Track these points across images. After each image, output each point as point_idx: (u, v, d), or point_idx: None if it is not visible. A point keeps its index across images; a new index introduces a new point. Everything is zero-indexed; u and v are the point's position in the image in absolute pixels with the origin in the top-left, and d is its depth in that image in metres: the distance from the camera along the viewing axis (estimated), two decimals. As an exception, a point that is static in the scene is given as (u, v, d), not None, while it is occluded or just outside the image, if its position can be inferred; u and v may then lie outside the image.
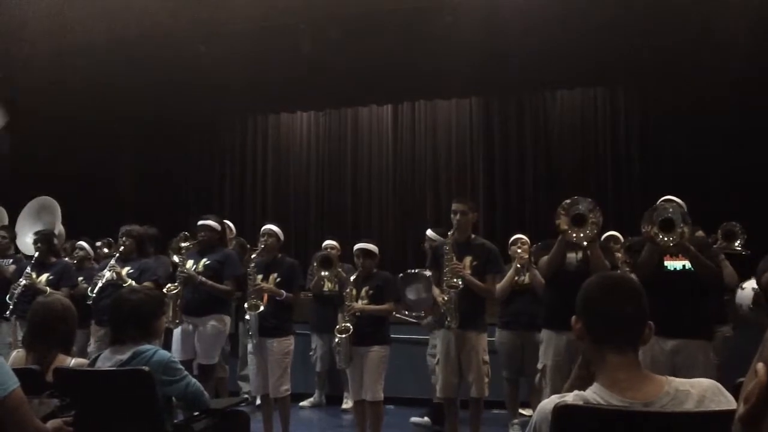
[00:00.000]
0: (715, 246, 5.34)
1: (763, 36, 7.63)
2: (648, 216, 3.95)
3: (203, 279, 5.46)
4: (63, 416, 2.69)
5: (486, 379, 4.97)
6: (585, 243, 4.29)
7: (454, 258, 4.88)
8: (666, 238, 3.89)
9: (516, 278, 5.75)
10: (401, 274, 5.58)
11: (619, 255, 5.38)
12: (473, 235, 5.14)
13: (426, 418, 6.02)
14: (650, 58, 8.39)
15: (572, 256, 4.56)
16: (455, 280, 4.81)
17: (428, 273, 5.27)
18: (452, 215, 5.02)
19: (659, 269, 4.08)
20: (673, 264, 4.15)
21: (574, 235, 4.21)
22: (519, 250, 5.79)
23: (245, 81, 9.12)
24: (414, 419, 6.07)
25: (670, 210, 3.93)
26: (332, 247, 6.77)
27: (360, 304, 5.06)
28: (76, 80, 8.33)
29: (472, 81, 9.27)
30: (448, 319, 4.85)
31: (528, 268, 5.73)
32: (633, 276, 3.64)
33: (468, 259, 4.95)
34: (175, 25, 7.92)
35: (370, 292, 5.09)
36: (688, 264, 4.09)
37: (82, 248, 6.75)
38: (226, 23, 8.07)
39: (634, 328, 1.82)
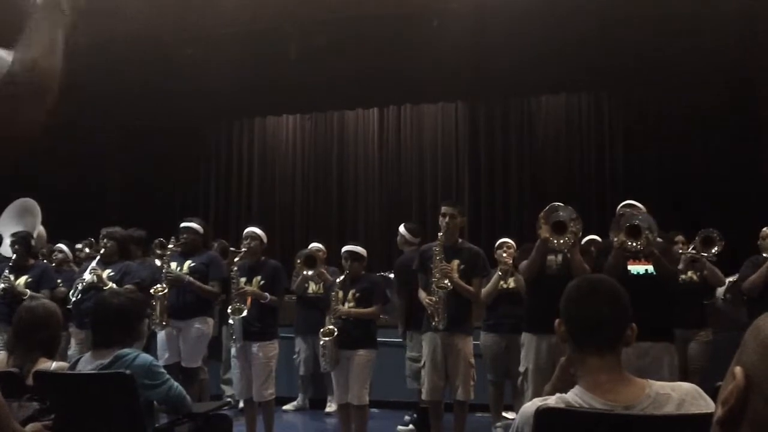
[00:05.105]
0: (692, 250, 5.40)
1: (749, 45, 7.72)
2: (615, 224, 4.17)
3: (191, 279, 5.42)
4: (42, 420, 2.67)
5: (472, 382, 4.99)
6: (565, 249, 4.37)
7: (443, 260, 4.89)
8: (634, 244, 4.09)
9: (502, 283, 5.76)
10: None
11: None
12: (460, 240, 5.16)
13: (411, 426, 5.99)
14: (634, 64, 8.47)
15: (552, 260, 4.62)
16: (445, 281, 4.82)
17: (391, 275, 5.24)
18: (441, 218, 5.03)
19: (623, 273, 4.18)
20: (637, 268, 4.32)
21: (555, 241, 4.31)
22: (504, 255, 5.80)
23: (231, 84, 9.09)
24: (400, 428, 6.04)
25: (639, 218, 4.14)
26: (318, 250, 6.74)
27: (346, 307, 5.05)
28: (61, 83, 8.25)
29: (458, 85, 9.31)
30: (436, 319, 4.85)
31: (513, 272, 5.74)
32: None
33: (455, 263, 4.96)
34: (161, 29, 7.88)
35: (357, 295, 5.06)
36: (650, 268, 4.30)
37: (61, 251, 6.67)
38: (213, 27, 8.05)
39: (614, 329, 1.82)
